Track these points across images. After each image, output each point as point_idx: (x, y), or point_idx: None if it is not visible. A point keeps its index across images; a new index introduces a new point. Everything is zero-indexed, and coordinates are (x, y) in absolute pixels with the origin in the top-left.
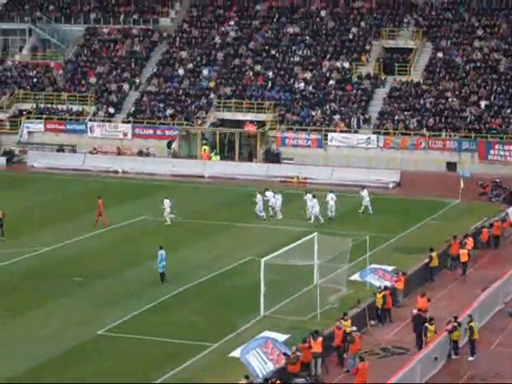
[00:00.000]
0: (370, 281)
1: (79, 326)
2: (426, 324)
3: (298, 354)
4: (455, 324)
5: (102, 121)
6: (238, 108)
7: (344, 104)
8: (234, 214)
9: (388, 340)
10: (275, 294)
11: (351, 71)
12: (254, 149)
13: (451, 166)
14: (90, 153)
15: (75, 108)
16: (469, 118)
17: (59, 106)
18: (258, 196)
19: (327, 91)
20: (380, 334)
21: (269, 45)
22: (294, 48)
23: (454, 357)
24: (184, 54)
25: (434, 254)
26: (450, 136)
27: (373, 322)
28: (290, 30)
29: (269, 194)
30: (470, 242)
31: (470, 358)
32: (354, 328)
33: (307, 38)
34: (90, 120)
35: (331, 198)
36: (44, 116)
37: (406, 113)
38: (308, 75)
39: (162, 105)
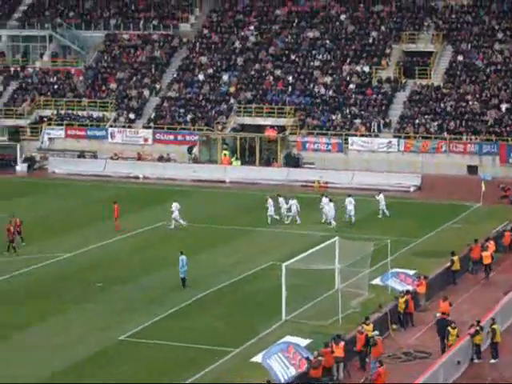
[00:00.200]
0: (391, 285)
1: (101, 331)
2: (448, 327)
3: (320, 358)
4: (477, 328)
5: (123, 126)
6: (259, 113)
7: (364, 108)
8: (255, 218)
9: (410, 344)
10: (297, 298)
11: (371, 75)
12: (275, 153)
13: (472, 169)
14: (111, 158)
15: (96, 114)
16: (490, 121)
17: (80, 112)
18: (270, 201)
19: (347, 95)
20: (402, 338)
21: (289, 49)
22: (313, 52)
23: (476, 361)
24: (204, 59)
25: (455, 258)
26: (470, 139)
27: (395, 326)
28: (310, 34)
29: (281, 199)
30: (491, 245)
31: (492, 361)
32: (377, 332)
33: (327, 42)
34: (111, 126)
35: (349, 202)
36: (65, 122)
37: (426, 116)
38: (328, 79)
39: (182, 110)
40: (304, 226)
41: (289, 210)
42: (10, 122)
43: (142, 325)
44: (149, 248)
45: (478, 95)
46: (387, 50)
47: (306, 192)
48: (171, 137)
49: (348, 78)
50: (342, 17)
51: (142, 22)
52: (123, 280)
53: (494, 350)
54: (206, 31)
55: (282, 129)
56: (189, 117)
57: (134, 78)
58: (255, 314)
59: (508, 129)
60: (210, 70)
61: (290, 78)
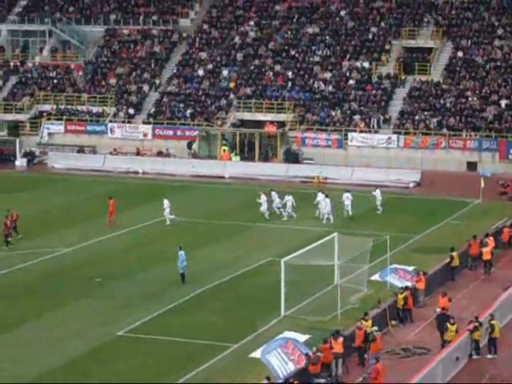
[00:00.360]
0: (390, 281)
1: (99, 327)
2: (447, 323)
3: (318, 354)
4: (476, 324)
5: (123, 122)
6: (258, 108)
7: (364, 104)
8: (254, 214)
9: (409, 340)
10: (296, 294)
11: (371, 71)
12: (275, 149)
13: (472, 165)
14: (111, 154)
15: (95, 109)
16: (489, 118)
17: (79, 107)
18: (263, 197)
19: (347, 91)
20: (401, 334)
21: (288, 45)
22: (313, 48)
23: (475, 357)
24: (204, 54)
25: (454, 254)
26: (470, 135)
27: (394, 322)
28: (310, 30)
29: (274, 194)
30: (491, 241)
31: (489, 356)
32: (376, 328)
33: (327, 38)
34: (111, 121)
35: (347, 198)
36: (64, 117)
37: (426, 112)
38: (328, 75)
39: (181, 105)
40: (303, 222)
41: (284, 205)
42: (10, 117)
43: (140, 320)
44: (148, 243)
45: (477, 91)
46: (387, 46)
47: (305, 188)
48: (171, 132)
49: (348, 74)
50: (342, 12)
51: (141, 17)
52: (122, 275)
53: (492, 345)
54: (205, 26)
55: (281, 124)
56: (188, 112)
57: (134, 73)
58: (254, 309)
59: (507, 125)
60: (210, 66)
61: (290, 74)
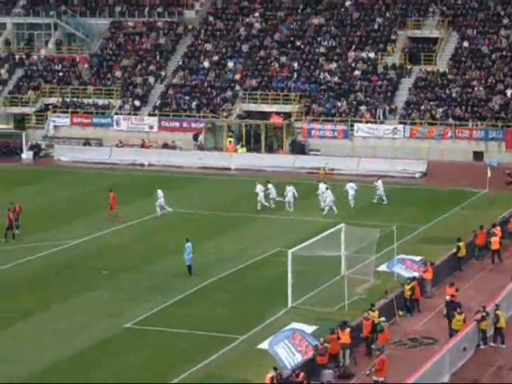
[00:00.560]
0: (397, 271)
1: (106, 319)
2: (454, 312)
3: (326, 345)
4: (484, 314)
5: (128, 114)
6: (264, 100)
7: (370, 94)
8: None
9: (416, 330)
10: (303, 285)
11: (377, 61)
12: (280, 140)
13: (478, 155)
14: (117, 146)
15: (101, 101)
16: (495, 107)
17: (85, 100)
18: (259, 186)
19: (353, 82)
20: (408, 324)
21: (294, 36)
22: (319, 39)
23: (482, 346)
24: (209, 46)
25: (461, 244)
26: (476, 125)
27: (401, 313)
28: (315, 20)
29: (270, 186)
30: (498, 231)
31: (492, 344)
32: (383, 318)
33: (332, 28)
34: (116, 113)
35: (351, 187)
36: (70, 110)
37: (432, 102)
38: (333, 66)
39: (187, 97)
40: (310, 213)
41: (285, 196)
42: (16, 110)
43: (147, 312)
44: (154, 235)
45: (483, 81)
46: (393, 37)
47: (311, 179)
48: (176, 124)
49: (353, 65)
50: (347, 3)
51: (146, 9)
52: (129, 267)
53: (498, 335)
54: (210, 18)
55: (287, 115)
56: (194, 104)
57: (139, 66)
58: (261, 300)
59: None
60: (216, 57)
61: (296, 65)
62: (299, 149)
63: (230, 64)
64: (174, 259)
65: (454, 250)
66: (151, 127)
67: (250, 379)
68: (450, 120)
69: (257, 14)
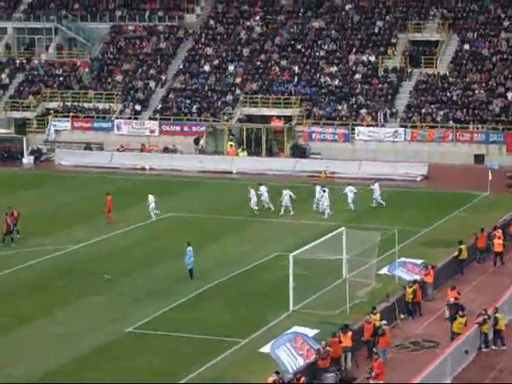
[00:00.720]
0: (399, 274)
1: (108, 323)
2: (456, 315)
3: (328, 348)
4: (485, 317)
5: (129, 118)
6: (265, 103)
7: (370, 98)
8: (262, 209)
9: (418, 334)
10: (304, 288)
11: (377, 65)
12: (281, 144)
13: (479, 158)
14: (117, 150)
15: (102, 106)
16: (496, 110)
17: (86, 104)
18: (252, 191)
19: (353, 85)
20: (410, 327)
21: (294, 39)
22: (319, 42)
23: (484, 349)
24: (210, 50)
25: (463, 247)
26: (477, 128)
27: (402, 316)
28: (316, 24)
29: (262, 188)
30: (499, 233)
31: (493, 347)
32: (385, 322)
33: (333, 32)
34: (117, 118)
35: (350, 191)
36: (71, 114)
37: (432, 106)
38: (334, 69)
39: (188, 101)
40: (310, 216)
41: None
42: (17, 115)
43: (149, 316)
44: (155, 239)
45: (484, 84)
46: (393, 40)
47: (311, 182)
48: (177, 128)
49: (354, 68)
50: (348, 6)
51: (147, 14)
52: (130, 271)
53: (498, 338)
54: (211, 22)
55: (288, 119)
56: (195, 108)
57: (140, 70)
58: (263, 304)
59: None
60: (216, 61)
61: (296, 68)
62: (300, 152)
63: (231, 68)
64: (175, 263)
65: (456, 253)
66: (152, 131)
67: (251, 383)
68: (451, 123)
69: (257, 18)
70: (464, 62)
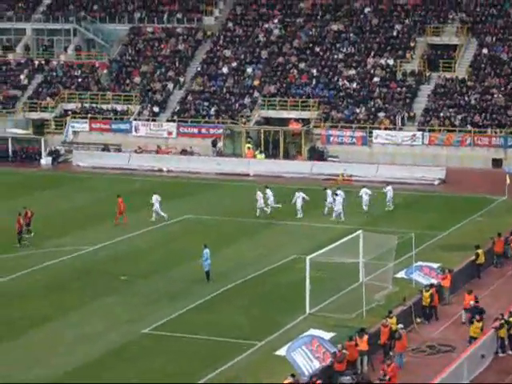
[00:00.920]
0: (416, 278)
1: (124, 324)
2: (473, 319)
3: (344, 352)
4: (502, 321)
5: (147, 120)
6: (283, 106)
7: (388, 101)
8: (278, 211)
9: (434, 338)
10: (321, 291)
11: (395, 68)
12: (299, 147)
13: (497, 162)
14: (135, 152)
15: (120, 107)
16: None
17: (104, 106)
18: (259, 193)
19: (372, 88)
20: (426, 331)
21: (313, 42)
22: (338, 45)
23: (500, 354)
24: (228, 52)
25: (480, 251)
26: (495, 132)
27: (419, 320)
28: (334, 27)
29: (268, 191)
30: None
31: (510, 352)
32: (401, 325)
33: (351, 35)
34: (135, 119)
35: (365, 193)
36: (89, 115)
37: (451, 109)
38: (352, 72)
39: (206, 103)
40: (327, 219)
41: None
42: (35, 116)
43: (165, 318)
44: (172, 241)
45: (502, 88)
46: (411, 43)
47: (323, 185)
48: (195, 130)
49: (372, 71)
50: (367, 10)
51: (166, 16)
52: (147, 273)
53: (511, 342)
54: (230, 24)
55: (306, 122)
56: (213, 110)
57: (158, 72)
58: (279, 307)
59: None
60: (234, 63)
61: (314, 71)
62: (318, 155)
63: (249, 70)
64: (192, 265)
65: (473, 258)
66: (170, 133)
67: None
68: (469, 127)
69: (276, 21)
70: (482, 66)
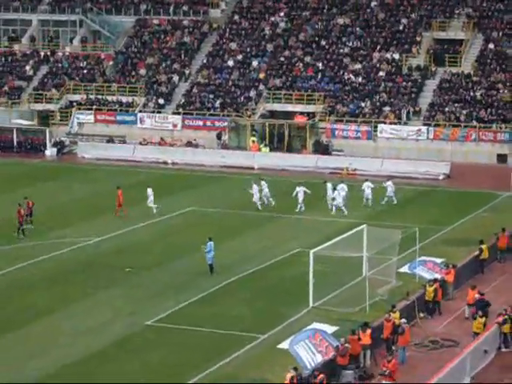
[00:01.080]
0: (419, 273)
1: (128, 316)
2: (476, 315)
3: (347, 346)
4: (506, 316)
5: (152, 112)
6: (288, 99)
7: (394, 96)
8: (283, 205)
9: (437, 332)
10: (324, 285)
11: (401, 63)
12: (304, 140)
13: (502, 157)
14: (140, 144)
15: (125, 99)
16: None
17: (109, 97)
18: (254, 186)
19: (377, 83)
20: (429, 326)
21: (319, 36)
22: (343, 39)
23: (503, 349)
24: (234, 45)
25: (484, 247)
26: (500, 128)
27: (422, 315)
28: (340, 21)
29: (263, 183)
30: None
31: None
32: (405, 320)
33: (357, 29)
34: (140, 111)
35: (367, 187)
36: (94, 107)
37: (456, 104)
38: (358, 66)
39: (211, 96)
40: (330, 213)
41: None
42: (40, 107)
43: (168, 310)
44: (176, 233)
45: (508, 83)
46: (417, 38)
47: (332, 179)
48: (200, 123)
49: (378, 66)
50: (373, 4)
51: (172, 8)
52: (150, 265)
53: None
54: (236, 17)
55: (311, 116)
56: (218, 103)
57: (164, 64)
58: (282, 300)
59: None
60: (240, 56)
61: (320, 65)
62: (323, 149)
63: (255, 63)
64: (195, 257)
65: (477, 253)
66: (175, 125)
67: (269, 379)
68: (474, 122)
69: (282, 14)
70: (488, 61)
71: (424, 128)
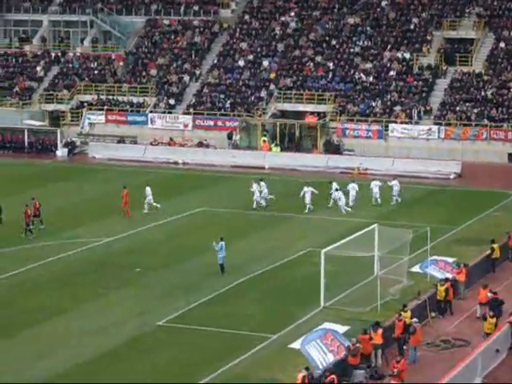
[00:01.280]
0: (431, 272)
1: (139, 316)
2: (487, 315)
3: (358, 345)
4: None
5: (163, 112)
6: (299, 99)
7: (405, 95)
8: (294, 205)
9: (449, 332)
10: (335, 285)
11: (412, 62)
12: (315, 140)
13: None
14: (151, 144)
15: (136, 99)
16: None
17: (120, 98)
18: (254, 185)
19: (388, 82)
20: (441, 325)
21: (329, 35)
22: (354, 39)
23: None
24: (244, 45)
25: (495, 246)
26: (511, 127)
27: (433, 314)
28: (351, 20)
29: (263, 184)
30: None
31: None
32: (416, 319)
33: (368, 28)
34: (151, 111)
35: (375, 185)
36: (105, 107)
37: (467, 104)
38: (369, 66)
39: (222, 96)
40: (341, 213)
41: (302, 196)
42: (51, 107)
43: (179, 310)
44: (186, 234)
45: None
46: (428, 37)
47: (343, 179)
48: (211, 123)
49: (388, 65)
50: (383, 3)
51: (182, 8)
52: (161, 265)
53: None
54: (246, 17)
55: (322, 115)
56: (229, 103)
57: (175, 64)
58: (293, 300)
59: None
60: (251, 56)
61: (331, 65)
62: (334, 149)
63: (265, 63)
64: (206, 258)
65: (488, 252)
66: (186, 125)
67: (280, 379)
68: (485, 121)
69: (292, 14)
70: (499, 60)
71: (435, 127)
